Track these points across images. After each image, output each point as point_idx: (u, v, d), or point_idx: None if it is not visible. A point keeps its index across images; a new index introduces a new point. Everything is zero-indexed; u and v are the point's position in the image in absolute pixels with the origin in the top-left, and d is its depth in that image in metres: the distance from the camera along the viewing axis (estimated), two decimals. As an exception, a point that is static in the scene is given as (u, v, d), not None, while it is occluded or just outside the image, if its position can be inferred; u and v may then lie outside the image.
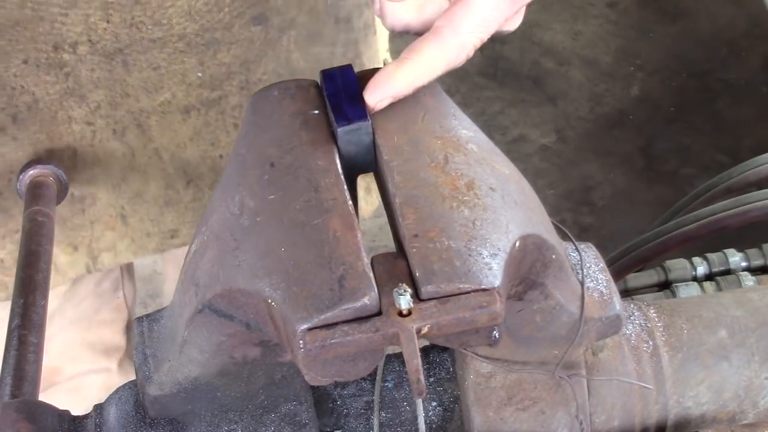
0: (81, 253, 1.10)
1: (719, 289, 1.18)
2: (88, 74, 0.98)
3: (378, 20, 1.10)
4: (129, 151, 1.05)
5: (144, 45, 0.97)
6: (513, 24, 0.73)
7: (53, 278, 0.95)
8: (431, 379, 0.76)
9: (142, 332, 0.71)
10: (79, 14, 0.92)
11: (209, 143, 1.07)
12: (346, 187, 0.65)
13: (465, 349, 0.70)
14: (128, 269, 1.34)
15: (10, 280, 1.07)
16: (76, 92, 0.99)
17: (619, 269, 1.26)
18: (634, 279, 1.25)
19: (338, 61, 1.09)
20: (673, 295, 1.19)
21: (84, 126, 1.02)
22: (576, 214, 2.50)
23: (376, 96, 0.68)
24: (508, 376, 0.72)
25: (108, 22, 0.93)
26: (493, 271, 0.60)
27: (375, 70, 0.72)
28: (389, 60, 1.27)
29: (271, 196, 0.65)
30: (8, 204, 1.04)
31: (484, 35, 0.70)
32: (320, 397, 0.75)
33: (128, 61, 0.97)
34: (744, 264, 1.22)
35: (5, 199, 1.04)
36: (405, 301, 0.59)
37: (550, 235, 0.67)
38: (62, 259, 1.09)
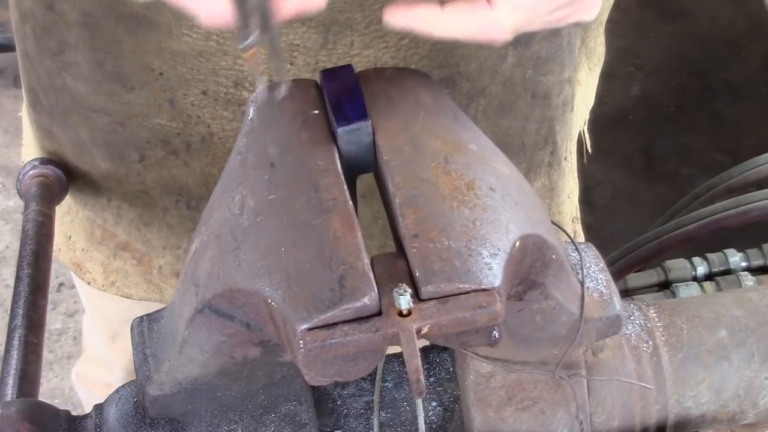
0: None
1: (719, 289, 1.18)
2: None
3: (576, 96, 1.07)
4: None
5: None
6: (583, 14, 0.71)
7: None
8: (431, 379, 0.76)
9: (142, 332, 0.71)
10: (263, 53, 0.91)
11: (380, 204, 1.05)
12: (346, 187, 0.65)
13: (465, 349, 0.70)
14: None
15: (166, 285, 1.09)
16: None
17: (619, 269, 1.26)
18: (634, 279, 1.25)
19: (530, 136, 1.04)
20: (673, 295, 1.19)
21: None
22: (576, 213, 2.49)
23: (396, 15, 0.67)
24: (508, 376, 0.72)
25: (291, 64, 0.91)
26: (493, 271, 0.60)
27: (376, 71, 0.72)
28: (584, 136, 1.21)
29: (272, 196, 0.65)
30: (174, 221, 1.05)
31: (524, 19, 0.67)
32: (320, 397, 0.75)
33: None
34: (744, 264, 1.22)
35: (171, 216, 1.05)
36: (405, 301, 0.59)
37: (550, 235, 0.67)
38: None
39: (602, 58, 1.13)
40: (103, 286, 1.12)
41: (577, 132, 1.14)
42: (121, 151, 1.01)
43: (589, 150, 1.20)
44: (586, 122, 1.18)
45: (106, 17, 0.91)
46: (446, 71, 0.94)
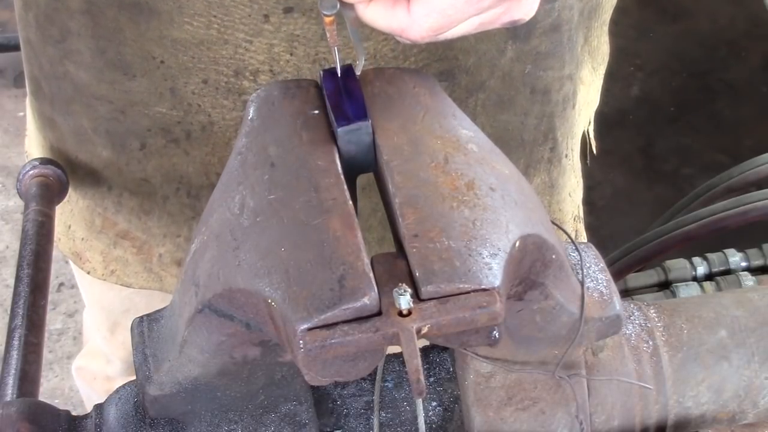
0: None
1: (719, 289, 1.18)
2: None
3: (579, 94, 1.07)
4: None
5: None
6: (516, 12, 0.72)
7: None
8: (431, 379, 0.76)
9: (142, 332, 0.71)
10: (264, 43, 0.91)
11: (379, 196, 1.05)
12: (346, 187, 0.65)
13: (465, 349, 0.70)
14: None
15: (166, 274, 1.09)
16: None
17: (619, 269, 1.26)
18: (634, 279, 1.25)
19: (529, 132, 1.04)
20: (673, 295, 1.19)
21: None
22: (576, 214, 2.49)
23: None
24: (508, 376, 0.72)
25: (291, 54, 0.91)
26: (493, 271, 0.60)
27: (375, 71, 0.72)
28: (589, 134, 1.20)
29: (272, 196, 0.65)
30: (174, 209, 1.05)
31: (440, 22, 0.70)
32: (320, 397, 0.75)
33: None
34: (744, 264, 1.22)
35: (172, 204, 1.05)
36: (405, 301, 0.59)
37: (550, 235, 0.67)
38: None
39: (606, 58, 1.14)
40: (103, 275, 1.12)
41: (581, 131, 1.14)
42: (122, 140, 1.01)
43: (594, 151, 1.20)
44: (591, 122, 1.18)
45: (108, 5, 0.91)
46: (445, 64, 0.94)
